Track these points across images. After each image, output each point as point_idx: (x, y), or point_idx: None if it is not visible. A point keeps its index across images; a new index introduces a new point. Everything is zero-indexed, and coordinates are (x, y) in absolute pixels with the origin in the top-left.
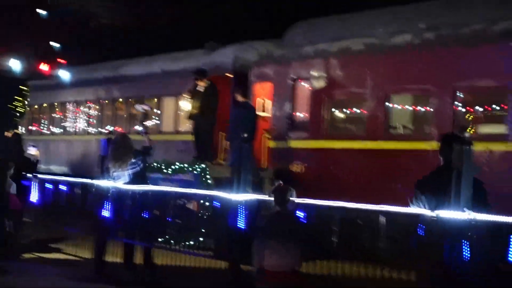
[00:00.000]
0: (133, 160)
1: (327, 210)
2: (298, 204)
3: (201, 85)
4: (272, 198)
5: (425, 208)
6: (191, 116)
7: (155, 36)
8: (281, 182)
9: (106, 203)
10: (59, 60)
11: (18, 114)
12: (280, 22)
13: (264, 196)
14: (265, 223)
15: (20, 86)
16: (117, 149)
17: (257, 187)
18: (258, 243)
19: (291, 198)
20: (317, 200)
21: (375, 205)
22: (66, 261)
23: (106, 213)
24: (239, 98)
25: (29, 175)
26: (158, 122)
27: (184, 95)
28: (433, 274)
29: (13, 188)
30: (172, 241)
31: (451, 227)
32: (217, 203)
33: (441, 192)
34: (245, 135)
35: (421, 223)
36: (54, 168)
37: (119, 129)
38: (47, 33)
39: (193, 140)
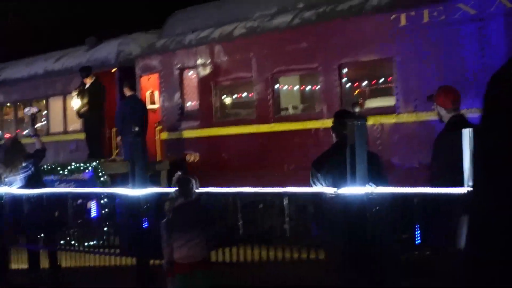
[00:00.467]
0: (24, 164)
1: (228, 197)
2: (201, 193)
3: (87, 82)
4: (174, 190)
5: (322, 186)
6: (79, 114)
7: (36, 36)
8: (180, 173)
9: (2, 210)
10: None
11: None
12: (159, 13)
13: (162, 188)
14: (171, 215)
15: None
16: (7, 154)
17: (154, 180)
18: (166, 236)
19: (194, 188)
20: (217, 188)
21: (274, 188)
22: None
23: (3, 220)
24: (127, 92)
25: None
26: (46, 123)
27: (72, 93)
28: (340, 252)
29: None
30: (74, 242)
31: (351, 203)
32: (115, 200)
33: (337, 169)
34: (136, 129)
35: (321, 201)
36: None
37: (7, 135)
38: None
39: (85, 139)
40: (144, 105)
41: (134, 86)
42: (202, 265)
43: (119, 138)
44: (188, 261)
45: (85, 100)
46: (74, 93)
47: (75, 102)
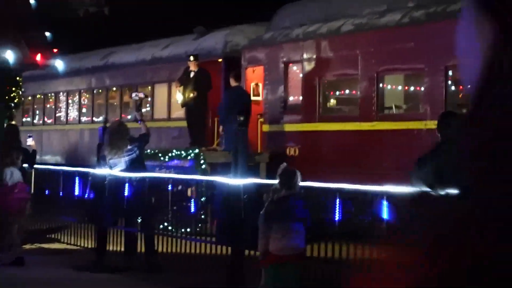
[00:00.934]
0: (129, 147)
1: (328, 192)
2: (303, 187)
3: (193, 69)
4: (277, 181)
5: (424, 185)
6: (184, 103)
7: (144, 22)
8: (285, 164)
9: (104, 191)
10: (51, 49)
11: (13, 105)
12: (267, 6)
13: (262, 180)
14: (271, 206)
15: (16, 77)
16: (113, 136)
17: (253, 171)
18: (264, 227)
19: (298, 181)
20: (318, 183)
21: (373, 186)
22: (67, 250)
23: (104, 201)
24: (232, 82)
25: (25, 165)
26: (150, 109)
27: (175, 84)
28: (437, 254)
29: (19, 177)
30: (171, 228)
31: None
32: (216, 189)
33: (440, 169)
34: (241, 118)
35: (422, 201)
36: (47, 158)
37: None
38: (38, 23)
39: (187, 127)
40: (249, 96)
41: (240, 77)
42: (297, 258)
43: (221, 127)
44: (284, 253)
45: (191, 88)
46: (176, 84)
47: (179, 92)
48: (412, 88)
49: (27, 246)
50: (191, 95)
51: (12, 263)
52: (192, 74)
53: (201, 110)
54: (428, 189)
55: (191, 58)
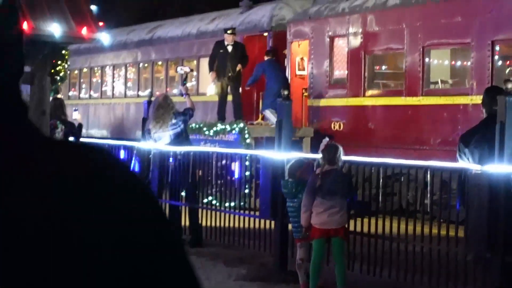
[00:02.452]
0: (173, 121)
1: (371, 167)
2: (346, 161)
3: (230, 43)
4: (320, 156)
5: (469, 161)
6: (219, 77)
7: None
8: (328, 139)
9: (149, 165)
10: (97, 23)
11: (59, 79)
12: None
13: (306, 154)
14: (313, 180)
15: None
16: (158, 110)
17: (296, 146)
18: (307, 201)
19: (341, 156)
20: (361, 158)
21: (418, 161)
22: None
23: (149, 175)
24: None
25: (71, 138)
26: (196, 83)
27: (210, 75)
28: (479, 229)
29: None
30: (215, 202)
31: (497, 181)
32: (259, 163)
33: (484, 145)
34: (286, 92)
35: (466, 177)
36: (93, 132)
37: (158, 93)
38: None
39: (219, 101)
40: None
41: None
42: (339, 232)
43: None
44: (326, 227)
45: (232, 63)
46: (213, 75)
47: (214, 82)
48: (458, 63)
49: None
50: (237, 69)
51: None
52: (229, 48)
53: (239, 84)
54: (473, 165)
55: (229, 31)
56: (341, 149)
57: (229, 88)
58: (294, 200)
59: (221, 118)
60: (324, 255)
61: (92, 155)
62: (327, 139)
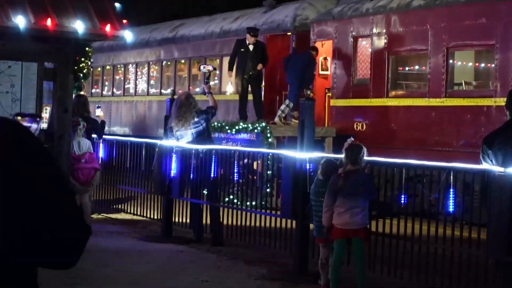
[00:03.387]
0: (196, 119)
1: (394, 168)
2: (369, 162)
3: (251, 43)
4: (343, 155)
5: (492, 163)
6: (239, 76)
7: None
8: (352, 139)
9: (171, 163)
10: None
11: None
12: None
13: (328, 154)
14: (336, 180)
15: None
16: (180, 108)
17: (319, 145)
18: (329, 201)
19: (364, 156)
20: (384, 158)
21: (440, 162)
22: (133, 221)
23: (171, 173)
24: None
25: (94, 135)
26: (218, 82)
27: (228, 74)
28: (501, 232)
29: (88, 146)
30: (237, 201)
31: None
32: (281, 162)
33: (508, 147)
34: (309, 92)
35: (489, 179)
36: (115, 129)
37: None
38: None
39: (240, 100)
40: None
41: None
42: (360, 233)
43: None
44: (348, 227)
45: (253, 62)
46: (230, 73)
47: (231, 82)
48: (482, 65)
49: (95, 216)
50: (258, 68)
51: None
52: (251, 47)
53: (260, 83)
54: (496, 167)
55: (251, 33)
56: (364, 149)
57: (250, 87)
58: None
59: (243, 117)
60: (344, 256)
61: (11, 126)
62: (351, 138)
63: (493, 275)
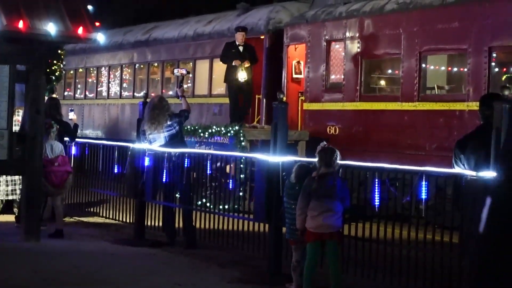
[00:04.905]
0: (169, 123)
1: (367, 171)
2: (342, 165)
3: (240, 44)
4: (316, 159)
5: (464, 167)
6: (227, 79)
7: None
8: (325, 143)
9: (143, 166)
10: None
11: (54, 79)
12: None
13: (301, 157)
14: (309, 183)
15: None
16: (153, 111)
17: (291, 149)
18: (303, 204)
19: (337, 159)
20: (357, 162)
21: (413, 166)
22: (106, 224)
23: (143, 176)
24: None
25: (67, 138)
26: (191, 85)
27: (235, 62)
28: (474, 235)
29: (61, 149)
30: (209, 204)
31: (492, 187)
32: (253, 166)
33: (480, 151)
34: (281, 96)
35: (461, 183)
36: (88, 132)
37: (153, 94)
38: None
39: (232, 103)
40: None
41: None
42: (334, 236)
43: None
44: (321, 231)
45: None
46: (238, 62)
47: (242, 69)
48: (455, 69)
49: (67, 219)
50: (245, 66)
51: (51, 235)
52: (241, 48)
53: (250, 85)
54: (468, 171)
55: (240, 29)
56: (337, 152)
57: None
58: (296, 202)
59: (235, 120)
60: (318, 258)
61: None
62: (324, 142)
63: (466, 277)
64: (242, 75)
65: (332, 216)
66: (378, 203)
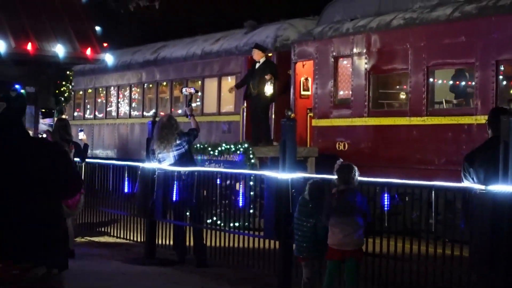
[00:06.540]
0: (178, 142)
1: (375, 187)
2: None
3: (259, 60)
4: (335, 177)
5: (473, 181)
6: (247, 96)
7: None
8: (341, 160)
9: (153, 185)
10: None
11: (63, 100)
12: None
13: (311, 174)
14: (330, 200)
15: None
16: (162, 130)
17: (301, 166)
18: (326, 221)
19: (356, 176)
20: (368, 178)
21: (422, 181)
22: (117, 244)
23: (153, 195)
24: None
25: (77, 159)
26: (200, 103)
27: (230, 90)
28: (483, 249)
29: None
30: (220, 222)
31: (501, 200)
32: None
33: (489, 164)
34: (290, 113)
35: (470, 197)
36: (98, 152)
37: (162, 113)
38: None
39: (253, 122)
40: None
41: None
42: (354, 254)
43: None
44: (343, 248)
45: (255, 81)
46: (231, 90)
47: (270, 83)
48: (462, 83)
49: (78, 239)
50: (255, 89)
51: None
52: (257, 65)
53: (269, 103)
54: (477, 185)
55: (253, 47)
56: (355, 168)
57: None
58: (310, 220)
59: (254, 140)
60: (337, 276)
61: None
62: (341, 160)
63: None
64: (267, 89)
65: (353, 233)
66: (387, 217)
